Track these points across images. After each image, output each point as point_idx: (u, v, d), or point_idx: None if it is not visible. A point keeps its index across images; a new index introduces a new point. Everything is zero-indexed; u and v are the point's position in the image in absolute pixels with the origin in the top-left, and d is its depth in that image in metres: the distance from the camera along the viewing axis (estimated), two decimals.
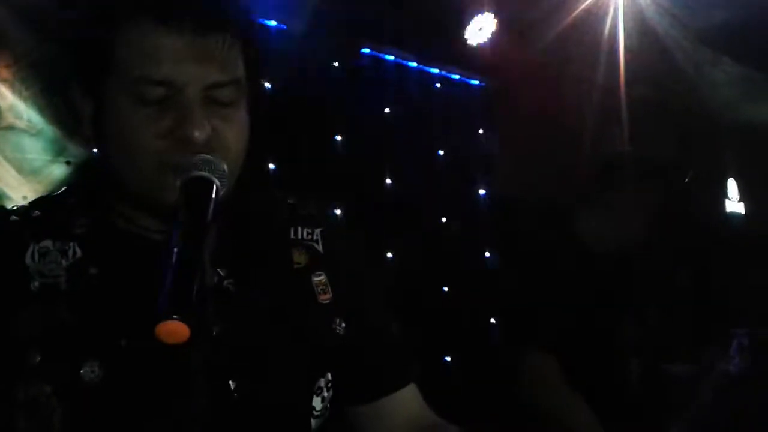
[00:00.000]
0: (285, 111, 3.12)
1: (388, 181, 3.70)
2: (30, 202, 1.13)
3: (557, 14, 3.57)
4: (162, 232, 1.05)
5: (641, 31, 3.54)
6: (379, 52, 3.77)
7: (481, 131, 4.06)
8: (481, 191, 4.01)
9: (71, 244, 1.06)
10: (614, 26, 3.47)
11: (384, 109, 3.76)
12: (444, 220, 3.72)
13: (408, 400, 1.24)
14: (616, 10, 3.53)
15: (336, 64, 3.57)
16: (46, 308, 1.00)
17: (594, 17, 3.51)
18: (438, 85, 3.98)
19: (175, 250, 0.87)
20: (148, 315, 0.86)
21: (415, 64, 3.88)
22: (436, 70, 3.98)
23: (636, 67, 3.60)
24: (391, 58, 3.82)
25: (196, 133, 0.98)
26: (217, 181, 0.97)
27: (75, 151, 2.93)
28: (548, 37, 3.61)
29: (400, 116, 3.77)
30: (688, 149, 4.95)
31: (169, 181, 0.97)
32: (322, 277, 1.16)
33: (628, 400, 2.33)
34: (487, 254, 3.86)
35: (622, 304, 2.42)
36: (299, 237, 1.19)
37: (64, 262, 1.04)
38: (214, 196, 0.96)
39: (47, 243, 1.05)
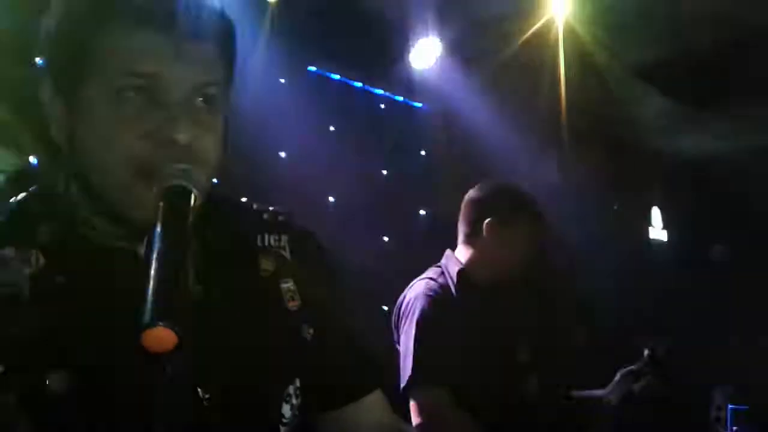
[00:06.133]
0: (230, 125, 3.10)
1: (331, 198, 3.71)
2: None
3: (500, 41, 3.68)
4: (127, 240, 1.03)
5: (581, 62, 3.68)
6: (325, 71, 3.80)
7: (422, 153, 4.13)
8: (422, 211, 4.07)
9: (33, 251, 1.02)
10: (555, 56, 3.60)
11: (329, 127, 3.78)
12: (386, 239, 3.76)
13: (374, 406, 1.25)
14: (556, 40, 3.67)
15: (282, 80, 3.57)
16: (9, 318, 0.97)
17: (536, 48, 3.64)
18: (382, 106, 4.04)
19: (157, 257, 0.85)
20: (128, 324, 0.85)
21: (360, 85, 3.92)
22: (381, 92, 4.03)
23: (575, 97, 3.74)
24: (337, 77, 3.85)
25: (180, 136, 0.96)
26: (195, 192, 0.95)
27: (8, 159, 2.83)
28: (491, 64, 3.72)
29: (344, 135, 3.79)
30: (619, 178, 5.15)
31: (143, 193, 0.95)
32: (290, 284, 1.16)
33: (529, 414, 2.40)
34: None
35: (514, 331, 2.49)
36: (267, 244, 1.18)
37: (26, 271, 1.00)
38: (192, 205, 0.94)
39: (8, 251, 1.01)
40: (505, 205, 2.50)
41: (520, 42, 3.53)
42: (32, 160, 2.93)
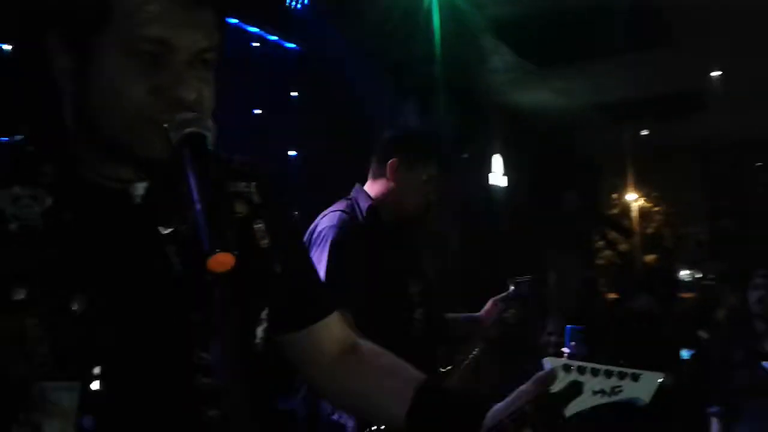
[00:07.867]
0: None
1: None
2: None
3: None
4: (120, 182, 1.11)
5: (452, 14, 3.87)
6: None
7: (293, 94, 4.17)
8: (291, 152, 4.13)
9: (40, 191, 1.08)
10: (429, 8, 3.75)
11: None
12: None
13: (332, 325, 1.44)
14: None
15: None
16: (28, 248, 1.04)
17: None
18: (255, 44, 4.00)
19: (199, 196, 0.97)
20: (131, 253, 1.05)
21: (234, 21, 3.86)
22: (255, 29, 3.99)
23: (443, 47, 3.93)
24: None
25: (186, 94, 1.05)
26: (209, 135, 1.05)
27: None
28: (364, 8, 3.80)
29: (217, 72, 3.73)
30: (466, 126, 5.50)
31: (155, 136, 1.04)
32: (261, 225, 1.28)
33: (414, 340, 2.68)
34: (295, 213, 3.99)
35: (410, 266, 2.76)
36: (237, 189, 1.28)
37: (37, 208, 1.07)
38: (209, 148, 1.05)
39: (16, 189, 1.07)
40: (409, 150, 2.64)
41: None
42: None
